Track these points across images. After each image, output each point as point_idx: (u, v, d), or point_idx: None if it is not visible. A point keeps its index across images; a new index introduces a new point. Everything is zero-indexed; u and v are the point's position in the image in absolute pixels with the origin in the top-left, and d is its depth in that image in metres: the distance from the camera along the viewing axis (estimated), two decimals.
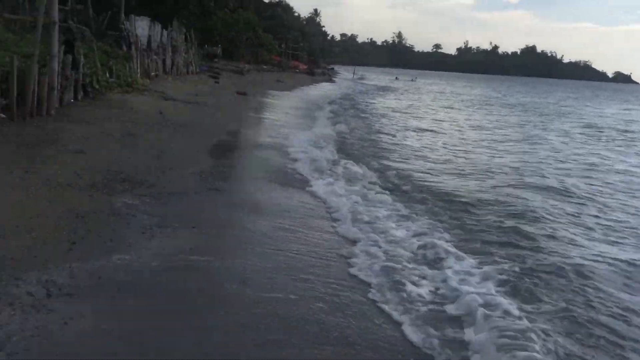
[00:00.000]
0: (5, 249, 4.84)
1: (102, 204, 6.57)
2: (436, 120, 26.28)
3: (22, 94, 9.92)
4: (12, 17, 17.62)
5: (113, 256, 5.11)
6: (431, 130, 21.05)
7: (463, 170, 12.77)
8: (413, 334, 4.47)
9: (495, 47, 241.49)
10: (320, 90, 43.61)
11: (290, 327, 4.32)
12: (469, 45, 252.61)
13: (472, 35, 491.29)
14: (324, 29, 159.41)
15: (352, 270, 5.68)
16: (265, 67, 51.69)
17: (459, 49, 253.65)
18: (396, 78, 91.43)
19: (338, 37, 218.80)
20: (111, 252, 5.19)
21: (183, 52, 29.08)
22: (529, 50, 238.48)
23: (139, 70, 20.90)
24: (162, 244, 5.64)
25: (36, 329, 3.73)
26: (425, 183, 10.70)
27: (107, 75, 16.56)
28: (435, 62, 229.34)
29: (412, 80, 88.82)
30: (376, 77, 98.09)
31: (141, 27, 25.25)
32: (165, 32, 27.99)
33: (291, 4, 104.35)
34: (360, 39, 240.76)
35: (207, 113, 16.93)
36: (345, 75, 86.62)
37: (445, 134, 20.44)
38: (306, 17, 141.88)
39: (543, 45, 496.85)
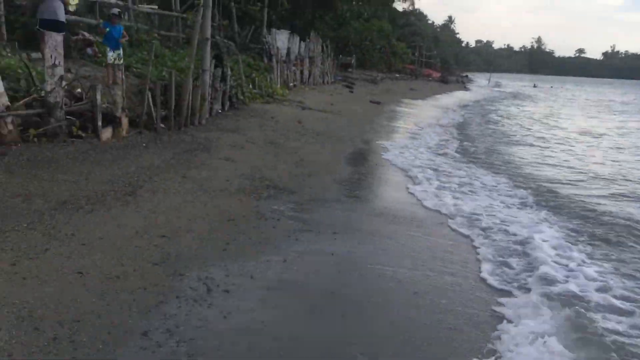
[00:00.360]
0: (169, 247, 5.36)
1: (250, 208, 7.03)
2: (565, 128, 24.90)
3: (178, 105, 10.80)
4: (167, 34, 19.23)
5: (262, 257, 5.49)
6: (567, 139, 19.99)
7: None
8: None
9: None
10: (453, 98, 42.85)
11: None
12: (616, 49, 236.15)
13: (619, 38, 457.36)
14: (458, 35, 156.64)
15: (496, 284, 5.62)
16: (398, 75, 51.71)
17: (604, 54, 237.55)
18: (534, 85, 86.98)
19: (473, 44, 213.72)
20: (260, 253, 5.57)
21: (319, 63, 29.95)
22: None
23: (278, 81, 21.88)
24: (306, 247, 5.95)
25: (199, 320, 4.13)
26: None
27: (251, 86, 17.54)
28: (578, 67, 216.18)
29: (551, 87, 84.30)
30: (513, 84, 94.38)
31: (281, 39, 26.36)
32: (303, 44, 29.03)
33: (425, 12, 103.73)
34: (496, 45, 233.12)
35: (342, 122, 17.36)
36: (480, 82, 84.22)
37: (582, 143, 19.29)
38: (440, 24, 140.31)
39: None
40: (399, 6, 70.90)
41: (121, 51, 11.26)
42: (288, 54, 25.51)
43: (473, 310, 4.84)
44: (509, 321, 4.65)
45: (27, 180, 6.45)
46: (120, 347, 3.63)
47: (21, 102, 7.84)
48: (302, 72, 26.84)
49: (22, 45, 11.89)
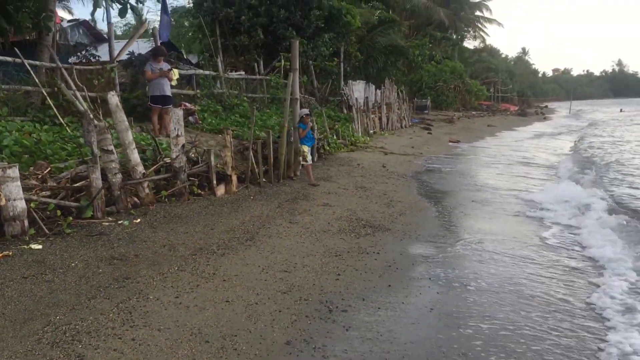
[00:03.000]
0: (291, 279, 6.40)
1: (352, 245, 8.03)
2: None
3: (276, 161, 12.08)
4: (253, 95, 20.94)
5: (369, 284, 6.46)
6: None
7: None
8: None
9: None
10: (532, 129, 42.85)
11: None
12: None
13: None
14: (533, 66, 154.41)
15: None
16: (474, 113, 52.03)
17: None
18: (621, 110, 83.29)
19: (550, 73, 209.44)
20: (367, 281, 6.54)
21: (396, 108, 31.06)
22: None
23: (359, 129, 23.10)
24: (404, 273, 6.88)
25: (327, 332, 5.12)
26: None
27: (334, 137, 18.79)
28: None
29: (621, 111, 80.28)
30: (595, 109, 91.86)
31: (358, 89, 27.79)
32: (378, 92, 30.32)
33: (497, 47, 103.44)
34: (575, 72, 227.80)
35: (423, 163, 18.24)
36: (559, 112, 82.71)
37: None
38: (514, 57, 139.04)
39: None
40: (470, 44, 71.61)
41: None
42: (366, 102, 26.80)
43: None
44: None
45: (167, 233, 7.76)
46: (270, 353, 4.66)
47: (152, 169, 9.29)
48: (380, 119, 28.00)
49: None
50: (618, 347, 5.10)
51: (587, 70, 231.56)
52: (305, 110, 13.41)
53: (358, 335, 5.10)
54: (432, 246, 8.35)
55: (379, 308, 5.78)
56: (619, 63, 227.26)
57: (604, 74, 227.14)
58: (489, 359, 4.81)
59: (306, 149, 12.61)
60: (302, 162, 12.70)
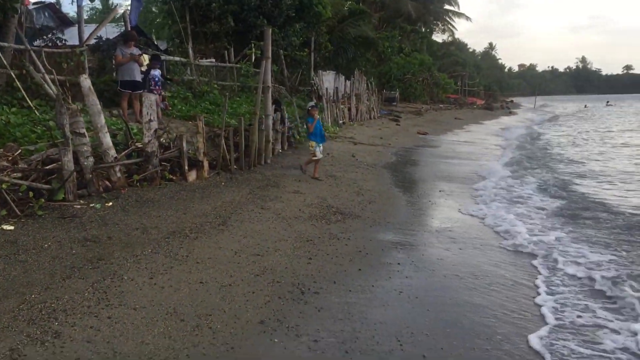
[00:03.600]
0: (263, 262, 6.52)
1: (323, 230, 8.19)
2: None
3: (247, 148, 12.14)
4: (223, 83, 20.88)
5: (340, 267, 6.62)
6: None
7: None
8: None
9: None
10: (497, 123, 43.60)
11: None
12: None
13: None
14: (500, 61, 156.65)
15: None
16: (442, 105, 52.68)
17: None
18: (585, 106, 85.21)
19: (516, 69, 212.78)
20: (338, 265, 6.70)
21: (365, 99, 31.29)
22: None
23: (329, 119, 23.22)
24: (374, 258, 7.07)
25: (300, 312, 5.25)
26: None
27: (304, 126, 18.88)
28: (627, 84, 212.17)
29: (607, 104, 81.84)
30: (559, 105, 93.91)
31: (328, 80, 27.90)
32: (348, 82, 30.49)
33: (465, 41, 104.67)
34: (540, 68, 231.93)
35: (392, 153, 18.49)
36: (525, 106, 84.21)
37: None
38: (481, 51, 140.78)
39: None
40: (439, 38, 72.30)
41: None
42: (335, 93, 26.94)
43: None
44: None
45: (139, 216, 7.80)
46: (245, 331, 4.77)
47: (123, 153, 9.27)
48: (349, 109, 28.16)
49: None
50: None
51: (552, 67, 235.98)
52: (312, 103, 13.17)
53: (330, 316, 5.26)
54: (400, 233, 8.56)
55: (349, 290, 5.95)
56: (583, 60, 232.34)
57: (568, 70, 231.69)
58: (450, 337, 5.01)
59: (314, 144, 12.13)
60: (312, 158, 12.26)
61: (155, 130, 9.44)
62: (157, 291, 5.39)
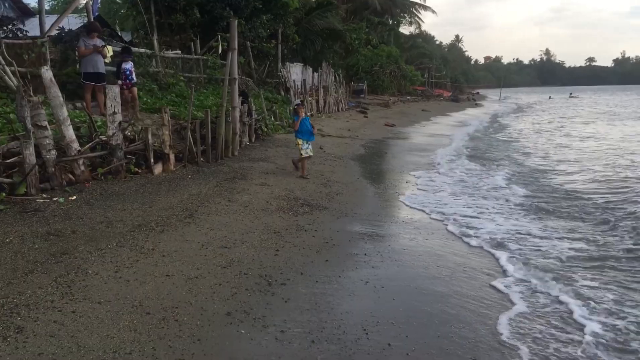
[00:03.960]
0: (231, 254, 6.52)
1: (290, 222, 8.20)
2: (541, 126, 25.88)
3: (214, 140, 12.07)
4: (189, 75, 20.69)
5: (307, 259, 6.65)
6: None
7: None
8: None
9: None
10: (464, 115, 44.14)
11: None
12: (626, 55, 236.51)
13: (630, 44, 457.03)
14: (466, 54, 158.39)
15: None
16: (409, 97, 53.06)
17: (615, 60, 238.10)
18: (549, 97, 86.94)
19: (482, 61, 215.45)
20: (305, 256, 6.74)
21: (333, 91, 31.33)
22: None
23: None
24: (341, 249, 7.13)
25: (267, 304, 5.27)
26: None
27: (272, 118, 18.85)
28: (589, 76, 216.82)
29: (571, 96, 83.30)
30: (524, 97, 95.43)
31: (295, 72, 27.87)
32: (315, 74, 30.49)
33: (432, 34, 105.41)
34: (505, 60, 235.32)
35: (360, 145, 18.58)
36: (490, 98, 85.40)
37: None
38: (448, 44, 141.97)
39: None
40: (406, 30, 72.69)
41: None
42: (303, 85, 26.92)
43: None
44: None
45: (104, 210, 7.70)
46: (212, 323, 4.77)
47: (87, 146, 9.13)
48: (317, 102, 28.18)
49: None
50: None
51: (517, 59, 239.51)
52: (297, 101, 13.00)
53: (296, 307, 5.29)
54: (367, 224, 8.64)
55: (316, 281, 5.99)
56: (547, 52, 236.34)
57: (532, 62, 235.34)
58: (415, 325, 5.10)
59: (300, 142, 11.80)
60: (302, 156, 11.87)
61: (120, 123, 9.32)
62: (123, 285, 5.35)
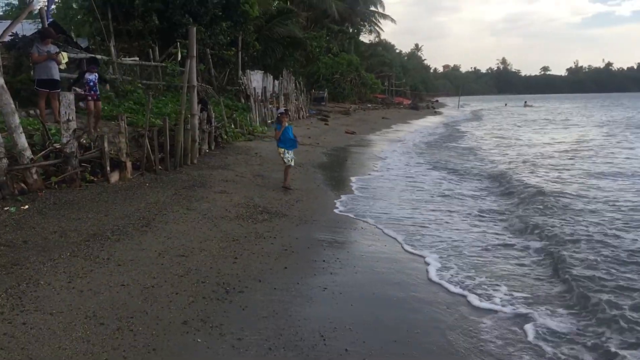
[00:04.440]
0: (188, 263, 6.46)
1: (249, 229, 8.18)
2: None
3: (173, 148, 11.95)
4: (148, 82, 20.44)
5: (266, 266, 6.64)
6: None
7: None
8: None
9: (609, 64, 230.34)
10: (423, 122, 44.73)
11: None
12: (579, 65, 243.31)
13: (582, 54, 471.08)
14: (426, 62, 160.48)
15: None
16: (370, 105, 53.47)
17: (569, 69, 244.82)
18: (505, 105, 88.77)
19: (441, 69, 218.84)
20: (264, 263, 6.72)
21: (294, 99, 31.37)
22: None
23: (257, 119, 23.16)
24: (299, 255, 7.13)
25: (224, 312, 5.24)
26: None
27: (232, 126, 18.77)
28: (544, 85, 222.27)
29: (525, 105, 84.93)
30: (481, 105, 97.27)
31: (256, 79, 27.80)
32: (276, 82, 30.48)
33: (392, 42, 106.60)
34: (463, 69, 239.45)
35: (321, 152, 18.63)
36: (449, 106, 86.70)
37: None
38: (408, 52, 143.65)
39: None
40: (366, 38, 73.32)
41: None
42: (263, 92, 26.87)
43: None
44: None
45: (58, 219, 7.53)
46: (167, 333, 4.72)
47: (40, 154, 8.93)
48: (278, 109, 28.11)
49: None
50: None
51: (475, 67, 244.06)
52: (281, 110, 12.50)
53: (254, 314, 5.27)
54: (327, 231, 8.68)
55: (274, 288, 5.98)
56: (503, 61, 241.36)
57: (490, 71, 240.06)
58: (372, 330, 5.14)
59: (282, 151, 11.69)
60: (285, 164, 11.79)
61: (75, 131, 9.14)
62: (76, 295, 5.24)
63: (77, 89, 15.46)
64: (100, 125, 12.56)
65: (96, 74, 13.04)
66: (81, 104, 14.85)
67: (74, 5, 32.01)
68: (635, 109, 64.85)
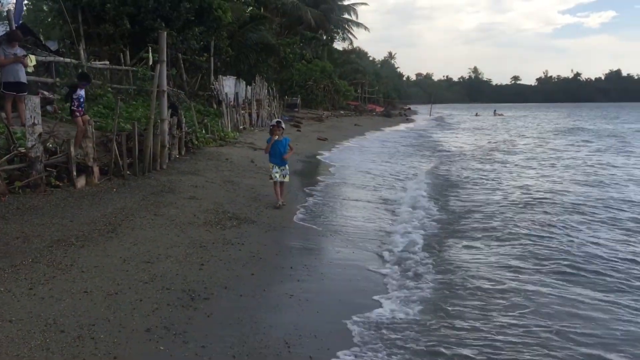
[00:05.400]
0: (154, 269, 6.39)
1: (217, 236, 8.12)
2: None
3: (141, 153, 11.83)
4: (118, 87, 20.23)
5: (233, 272, 6.61)
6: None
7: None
8: None
9: (577, 75, 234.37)
10: (395, 129, 45.10)
11: None
12: (549, 75, 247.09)
13: (552, 64, 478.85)
14: (399, 70, 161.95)
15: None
16: (343, 112, 53.64)
17: (538, 79, 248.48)
18: (476, 114, 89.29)
19: (413, 77, 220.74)
20: (231, 270, 6.69)
21: (266, 105, 31.31)
22: (614, 75, 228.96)
23: (229, 125, 23.04)
24: (268, 262, 7.12)
25: (188, 319, 5.20)
26: None
27: (204, 131, 18.64)
28: (514, 94, 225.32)
29: (495, 115, 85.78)
30: (453, 113, 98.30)
31: (228, 85, 27.69)
32: (249, 88, 30.40)
33: (366, 49, 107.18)
34: (436, 77, 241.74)
35: (292, 159, 18.60)
36: (421, 114, 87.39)
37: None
38: (381, 60, 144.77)
39: (629, 68, 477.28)
40: (339, 46, 73.64)
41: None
42: (236, 98, 26.79)
43: None
44: None
45: (21, 225, 7.39)
46: (130, 340, 4.66)
47: (4, 158, 8.77)
48: (250, 115, 28.06)
49: None
50: None
51: (447, 76, 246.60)
52: (274, 121, 11.57)
53: (219, 321, 5.25)
54: (296, 237, 8.68)
55: (241, 295, 5.96)
56: (475, 70, 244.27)
57: (461, 79, 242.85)
58: (337, 337, 5.17)
59: (270, 165, 10.97)
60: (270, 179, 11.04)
61: (40, 134, 8.99)
62: (37, 302, 5.15)
63: (45, 93, 15.26)
64: (68, 129, 12.39)
65: (84, 90, 12.52)
66: (49, 107, 14.66)
67: (45, 8, 31.60)
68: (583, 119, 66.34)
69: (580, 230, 9.91)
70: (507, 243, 8.96)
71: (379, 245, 8.72)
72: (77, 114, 11.80)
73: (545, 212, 11.30)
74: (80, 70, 17.68)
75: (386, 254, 8.15)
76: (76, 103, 11.91)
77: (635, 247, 8.88)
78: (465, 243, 8.98)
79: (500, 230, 9.79)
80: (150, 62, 21.62)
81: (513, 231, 9.72)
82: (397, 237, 9.12)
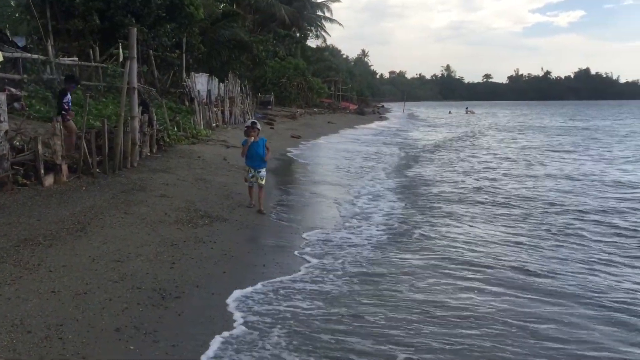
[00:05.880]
0: (124, 268, 6.32)
1: (189, 235, 8.06)
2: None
3: (111, 151, 11.68)
4: (88, 83, 19.92)
5: (204, 271, 6.57)
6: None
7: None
8: None
9: (548, 73, 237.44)
10: (368, 127, 45.31)
11: None
12: (520, 73, 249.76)
13: (523, 62, 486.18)
14: (372, 68, 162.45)
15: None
16: (316, 110, 53.62)
17: (509, 77, 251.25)
18: (449, 112, 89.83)
19: (387, 75, 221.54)
20: (202, 269, 6.65)
21: (239, 102, 31.14)
22: (583, 73, 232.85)
23: (201, 122, 22.86)
24: (239, 260, 7.09)
25: (159, 317, 5.17)
26: None
27: (175, 129, 18.47)
28: (486, 92, 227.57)
29: (467, 112, 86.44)
30: (425, 111, 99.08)
31: (200, 82, 27.45)
32: (222, 85, 30.19)
33: (339, 47, 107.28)
34: (409, 75, 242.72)
35: None
36: (394, 112, 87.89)
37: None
38: (354, 58, 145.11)
39: (597, 67, 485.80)
40: (313, 43, 73.57)
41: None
42: (208, 95, 26.59)
43: None
44: None
45: None
46: (99, 340, 4.60)
47: None
48: (223, 112, 27.87)
49: None
50: None
51: (420, 74, 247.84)
52: (249, 122, 11.00)
53: (190, 320, 5.22)
54: (269, 235, 8.66)
55: (212, 294, 5.93)
56: (447, 68, 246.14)
57: (434, 77, 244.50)
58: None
59: (247, 168, 10.53)
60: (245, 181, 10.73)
61: (6, 132, 8.82)
62: (3, 302, 5.05)
63: (12, 89, 14.95)
64: (35, 127, 12.17)
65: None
66: (16, 104, 14.38)
67: (12, 3, 30.93)
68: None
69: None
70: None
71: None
72: (68, 117, 11.40)
73: None
74: (67, 73, 17.27)
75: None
76: (66, 107, 11.53)
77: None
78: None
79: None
80: (121, 59, 21.34)
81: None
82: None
